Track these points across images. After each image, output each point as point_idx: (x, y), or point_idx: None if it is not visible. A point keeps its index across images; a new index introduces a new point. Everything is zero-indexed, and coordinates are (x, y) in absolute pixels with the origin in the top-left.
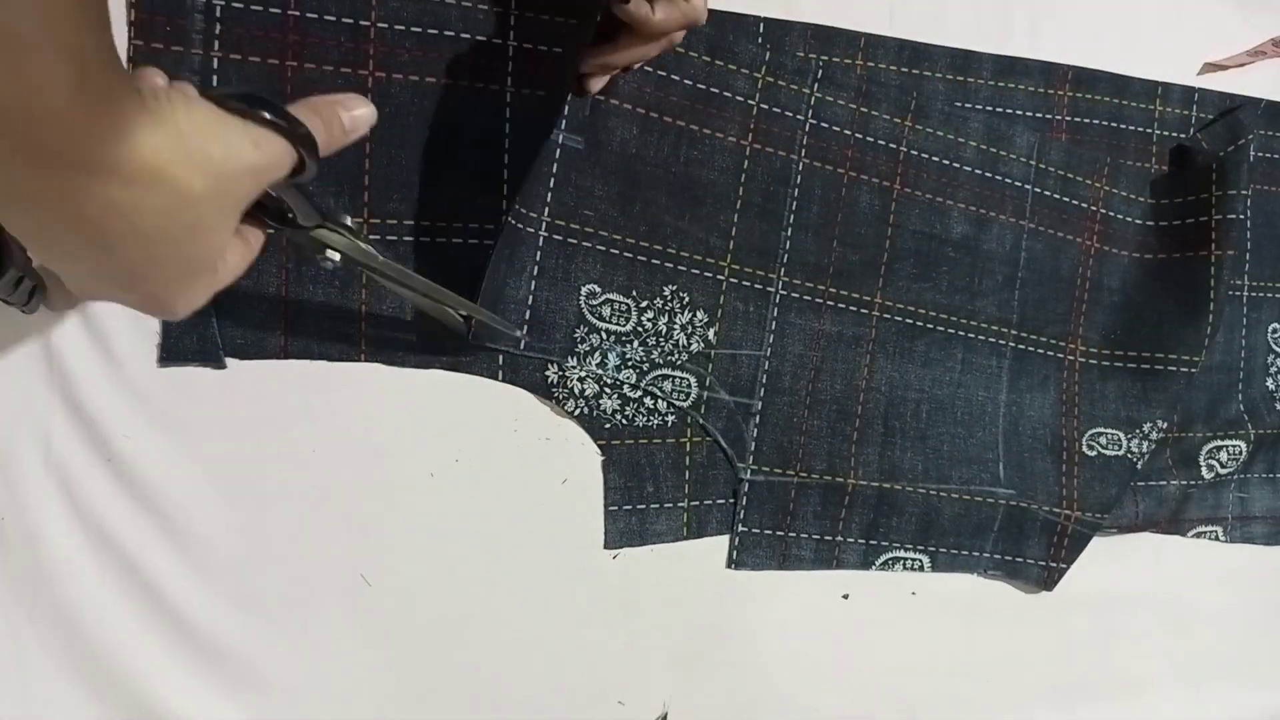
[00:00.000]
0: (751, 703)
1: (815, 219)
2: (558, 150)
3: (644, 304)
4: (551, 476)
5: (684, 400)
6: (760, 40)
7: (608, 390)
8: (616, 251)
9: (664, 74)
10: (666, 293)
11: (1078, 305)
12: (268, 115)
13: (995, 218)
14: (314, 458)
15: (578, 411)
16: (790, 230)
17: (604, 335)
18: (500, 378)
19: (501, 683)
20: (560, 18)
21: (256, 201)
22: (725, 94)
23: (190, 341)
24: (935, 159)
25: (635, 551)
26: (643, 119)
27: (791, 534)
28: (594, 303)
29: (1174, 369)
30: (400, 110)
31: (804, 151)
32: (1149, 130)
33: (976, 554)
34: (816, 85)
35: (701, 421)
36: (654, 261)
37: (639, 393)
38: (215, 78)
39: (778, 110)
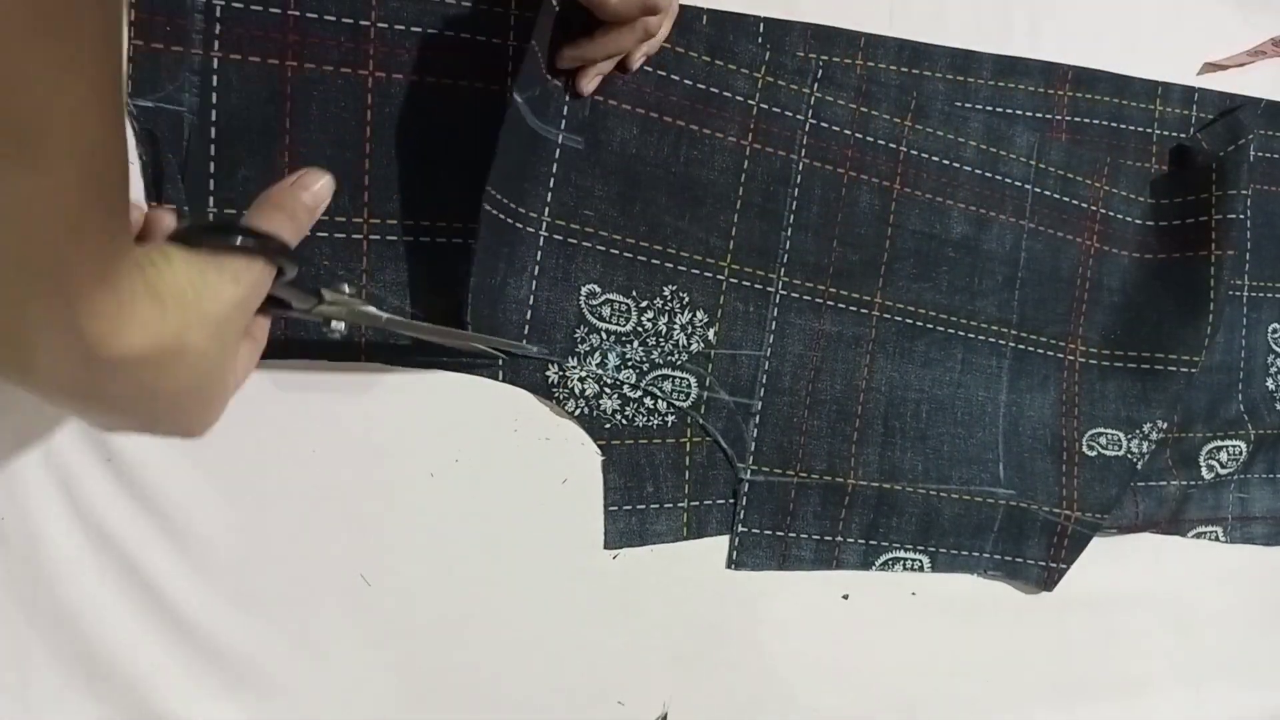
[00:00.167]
0: (751, 703)
1: (815, 219)
2: (558, 150)
3: (644, 304)
4: (551, 476)
5: (684, 400)
6: (760, 40)
7: (608, 390)
8: (616, 251)
9: (664, 74)
10: (666, 293)
11: (1078, 305)
12: (239, 241)
13: (995, 218)
14: (314, 458)
15: (578, 411)
16: (790, 230)
17: (604, 335)
18: (500, 378)
19: (501, 683)
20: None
21: None
22: (725, 94)
23: None
24: (935, 159)
25: (635, 551)
26: (643, 119)
27: (791, 534)
28: (594, 303)
29: (1174, 369)
30: (400, 110)
31: (804, 151)
32: (1149, 130)
33: (976, 554)
34: (816, 85)
35: (701, 421)
36: (654, 261)
37: (639, 393)
38: (215, 78)
39: (778, 110)
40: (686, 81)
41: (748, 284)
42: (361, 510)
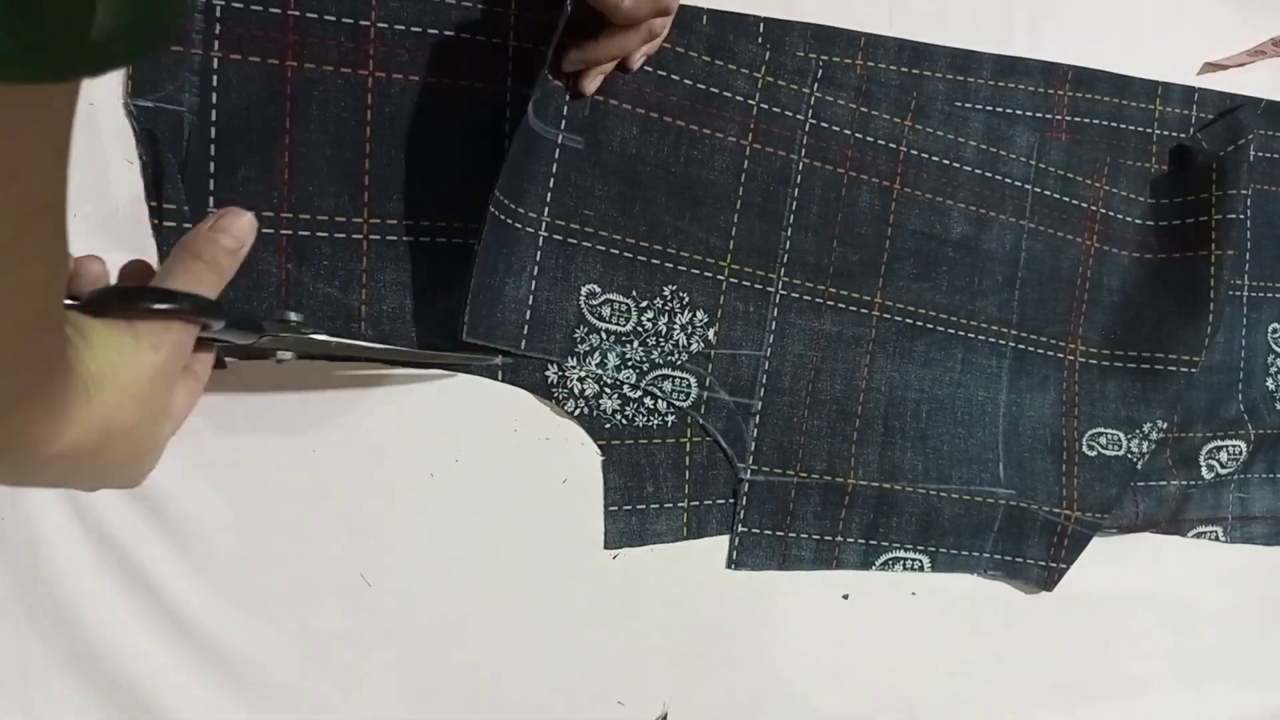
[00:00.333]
0: (751, 703)
1: (815, 219)
2: (557, 150)
3: (644, 304)
4: (551, 476)
5: (684, 400)
6: (760, 40)
7: (608, 390)
8: (616, 251)
9: (664, 74)
10: (666, 293)
11: (1078, 305)
12: (154, 306)
13: (995, 218)
14: (314, 458)
15: (578, 411)
16: (790, 230)
17: (604, 335)
18: (500, 378)
19: (501, 683)
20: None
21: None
22: (725, 94)
23: None
24: (935, 159)
25: (635, 551)
26: (643, 119)
27: (791, 534)
28: (594, 303)
29: (1174, 369)
30: (400, 110)
31: (804, 151)
32: (1149, 130)
33: (976, 554)
34: (816, 85)
35: (701, 421)
36: (654, 261)
37: (639, 393)
38: (215, 78)
39: (778, 110)
40: (686, 81)
41: (748, 284)
42: (361, 510)
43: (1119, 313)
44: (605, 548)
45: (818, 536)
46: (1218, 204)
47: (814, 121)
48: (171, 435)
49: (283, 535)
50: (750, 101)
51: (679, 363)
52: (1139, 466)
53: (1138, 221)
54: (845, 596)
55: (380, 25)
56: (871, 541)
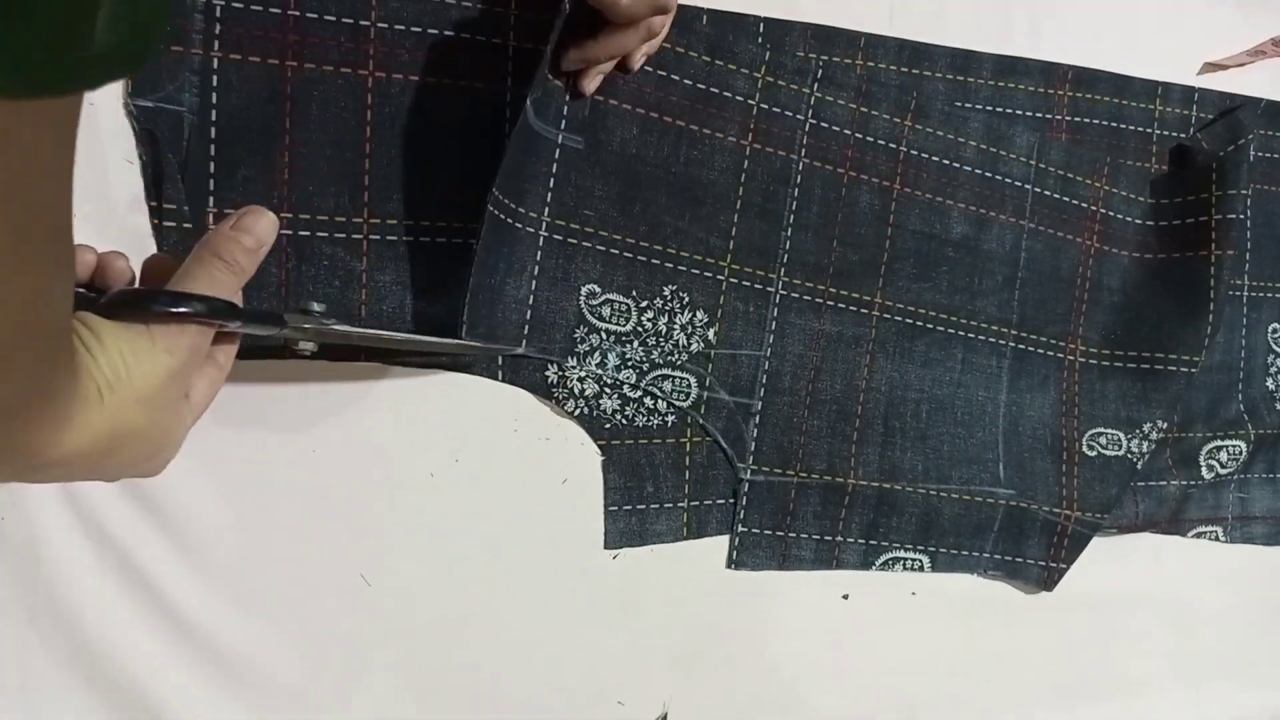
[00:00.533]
0: (751, 703)
1: (815, 219)
2: (557, 150)
3: (644, 304)
4: (551, 476)
5: (684, 400)
6: (760, 40)
7: (608, 390)
8: (616, 251)
9: (664, 74)
10: (666, 293)
11: (1078, 305)
12: (168, 310)
13: (995, 218)
14: (314, 458)
15: (578, 411)
16: (790, 230)
17: (604, 335)
18: (500, 378)
19: (501, 683)
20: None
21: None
22: (725, 94)
23: None
24: (935, 159)
25: (635, 551)
26: (643, 119)
27: (791, 534)
28: (594, 303)
29: (1174, 369)
30: (400, 110)
31: (804, 151)
32: (1149, 130)
33: (976, 554)
34: (816, 85)
35: (701, 421)
36: (654, 261)
37: (639, 393)
38: (215, 78)
39: (778, 110)
40: (686, 81)
41: (748, 284)
42: (361, 510)
43: (1119, 313)
44: (605, 548)
45: (818, 536)
46: (1218, 204)
47: (814, 121)
48: (193, 425)
49: (283, 535)
50: (750, 101)
51: (679, 363)
52: (1139, 466)
53: (1138, 221)
54: (845, 596)
55: (380, 25)
56: (871, 541)
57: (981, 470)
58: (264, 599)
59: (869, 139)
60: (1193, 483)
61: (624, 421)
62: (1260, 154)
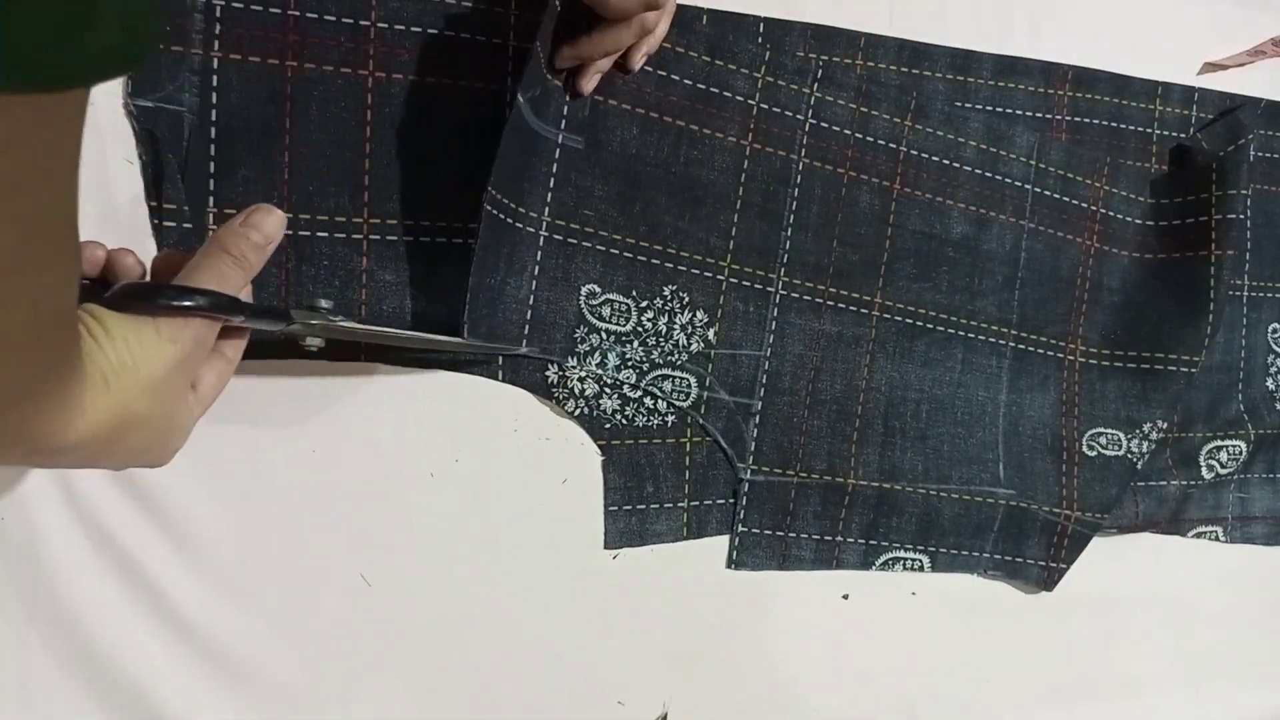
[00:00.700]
0: (751, 703)
1: (815, 219)
2: (558, 150)
3: (644, 304)
4: (551, 476)
5: (684, 400)
6: (760, 40)
7: (608, 390)
8: (616, 251)
9: (664, 74)
10: (666, 293)
11: (1078, 305)
12: (171, 304)
13: (995, 218)
14: (314, 458)
15: (578, 411)
16: (790, 230)
17: (604, 335)
18: (500, 378)
19: (501, 683)
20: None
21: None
22: (725, 94)
23: None
24: (935, 159)
25: (635, 551)
26: (643, 119)
27: (791, 534)
28: (594, 303)
29: (1174, 369)
30: (400, 110)
31: (804, 151)
32: (1149, 130)
33: (976, 554)
34: (816, 85)
35: (701, 421)
36: (654, 261)
37: (639, 393)
38: (215, 78)
39: (778, 110)
40: (686, 81)
41: (748, 284)
42: (361, 510)
43: (1119, 313)
44: (605, 548)
45: (818, 536)
46: (1218, 204)
47: (814, 121)
48: (200, 416)
49: (283, 535)
50: (750, 101)
51: (679, 363)
52: (1139, 466)
53: (1138, 221)
54: (845, 596)
55: (380, 25)
56: (871, 541)
57: (981, 470)
58: (264, 599)
59: (869, 139)
60: (1193, 483)
61: (624, 421)
62: (1260, 154)
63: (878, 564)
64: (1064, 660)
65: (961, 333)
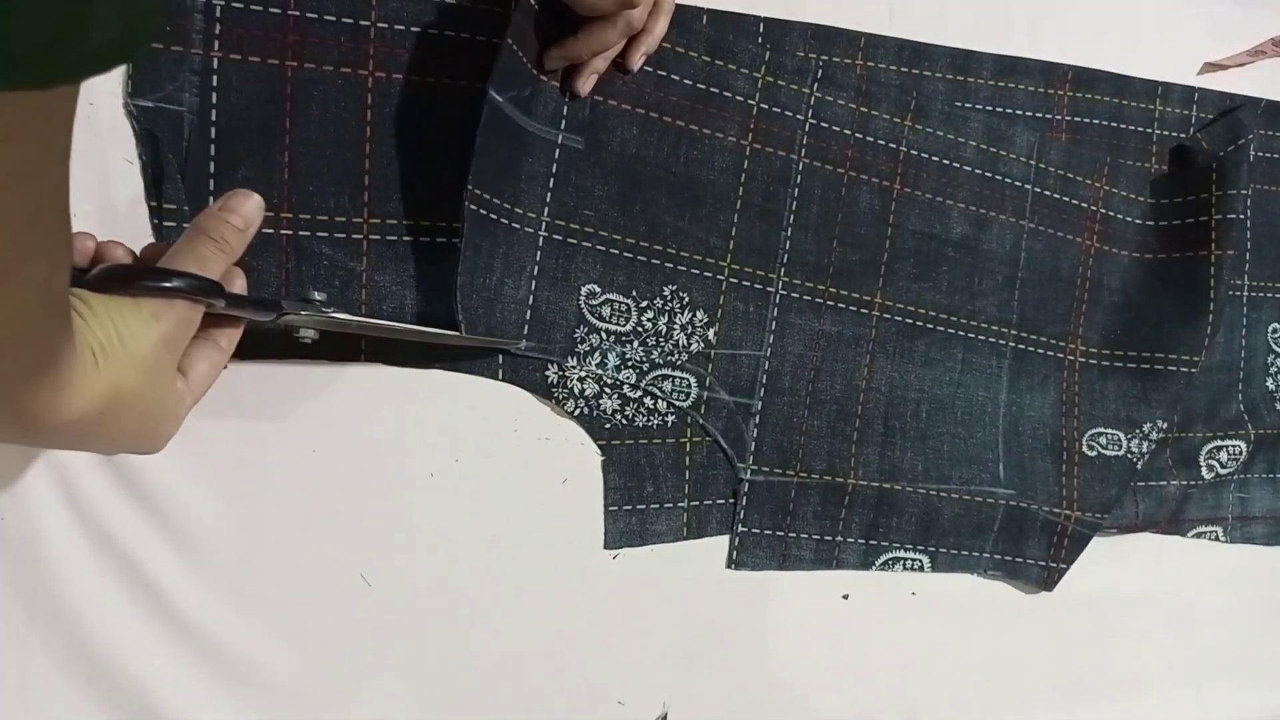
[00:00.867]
0: (751, 703)
1: (815, 219)
2: (557, 150)
3: (644, 304)
4: (551, 476)
5: (684, 400)
6: (760, 40)
7: (608, 390)
8: (616, 251)
9: (664, 74)
10: (666, 293)
11: (1078, 305)
12: (151, 285)
13: (995, 218)
14: (314, 458)
15: (578, 411)
16: (790, 230)
17: (604, 335)
18: (500, 378)
19: (502, 683)
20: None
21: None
22: (725, 94)
23: None
24: (935, 159)
25: (635, 551)
26: (643, 119)
27: (791, 534)
28: (594, 303)
29: (1174, 369)
30: (400, 110)
31: (804, 151)
32: (1149, 130)
33: (976, 554)
34: (816, 85)
35: (701, 421)
36: (654, 261)
37: (639, 393)
38: (215, 78)
39: (778, 110)
40: (686, 81)
41: (748, 284)
42: (361, 510)
43: (1119, 313)
44: (605, 548)
45: (818, 536)
46: (1218, 204)
47: (814, 121)
48: (193, 405)
49: (283, 535)
50: (750, 101)
51: (679, 363)
52: (1139, 466)
53: (1138, 221)
54: (845, 596)
55: (380, 25)
56: (871, 541)
57: (981, 470)
58: (264, 599)
59: (869, 139)
60: (1193, 483)
61: (624, 421)
62: (1260, 154)
63: (878, 564)
64: (1064, 660)
65: (961, 333)
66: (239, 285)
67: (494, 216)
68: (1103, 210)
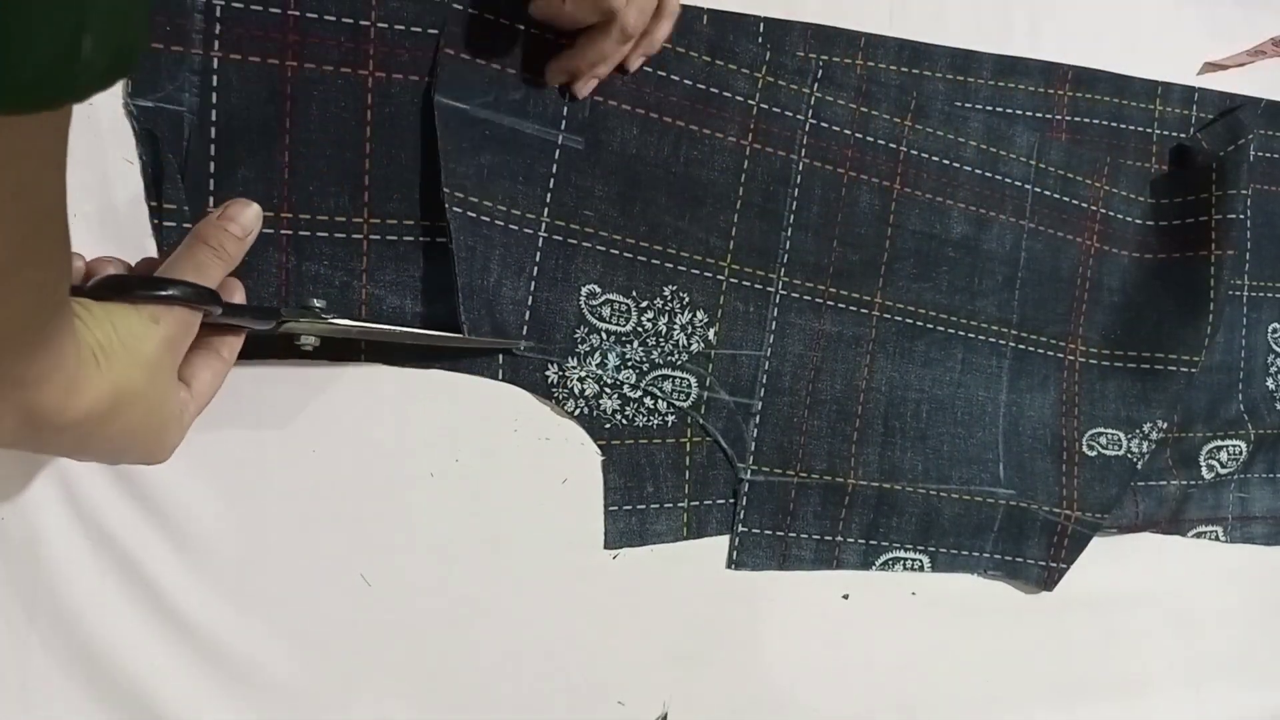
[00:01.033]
0: (751, 703)
1: (815, 219)
2: (557, 151)
3: (644, 304)
4: (551, 476)
5: (684, 400)
6: (760, 40)
7: (608, 390)
8: (616, 252)
9: (664, 74)
10: (666, 293)
11: (1078, 305)
12: (147, 293)
13: (995, 218)
14: (314, 458)
15: (578, 411)
16: (790, 230)
17: (604, 335)
18: (500, 378)
19: (502, 683)
20: None
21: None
22: (725, 94)
23: None
24: (935, 159)
25: (635, 551)
26: (643, 119)
27: (791, 534)
28: (594, 303)
29: (1174, 369)
30: (400, 110)
31: (804, 151)
32: (1149, 130)
33: (976, 554)
34: (816, 85)
35: (701, 421)
36: (654, 262)
37: (639, 393)
38: (215, 78)
39: (778, 110)
40: (686, 81)
41: (748, 284)
42: (361, 510)
43: (1119, 313)
44: (605, 548)
45: (818, 536)
46: (1218, 204)
47: (814, 121)
48: (197, 414)
49: (283, 535)
50: (750, 101)
51: (679, 363)
52: (1139, 466)
53: (1138, 221)
54: (845, 596)
55: (380, 25)
56: (871, 541)
57: (981, 470)
58: (264, 599)
59: (869, 139)
60: (1193, 483)
61: (624, 421)
62: (1260, 154)
63: (878, 564)
64: (1064, 660)
65: (961, 333)
66: (238, 296)
67: (485, 218)
68: (1103, 210)
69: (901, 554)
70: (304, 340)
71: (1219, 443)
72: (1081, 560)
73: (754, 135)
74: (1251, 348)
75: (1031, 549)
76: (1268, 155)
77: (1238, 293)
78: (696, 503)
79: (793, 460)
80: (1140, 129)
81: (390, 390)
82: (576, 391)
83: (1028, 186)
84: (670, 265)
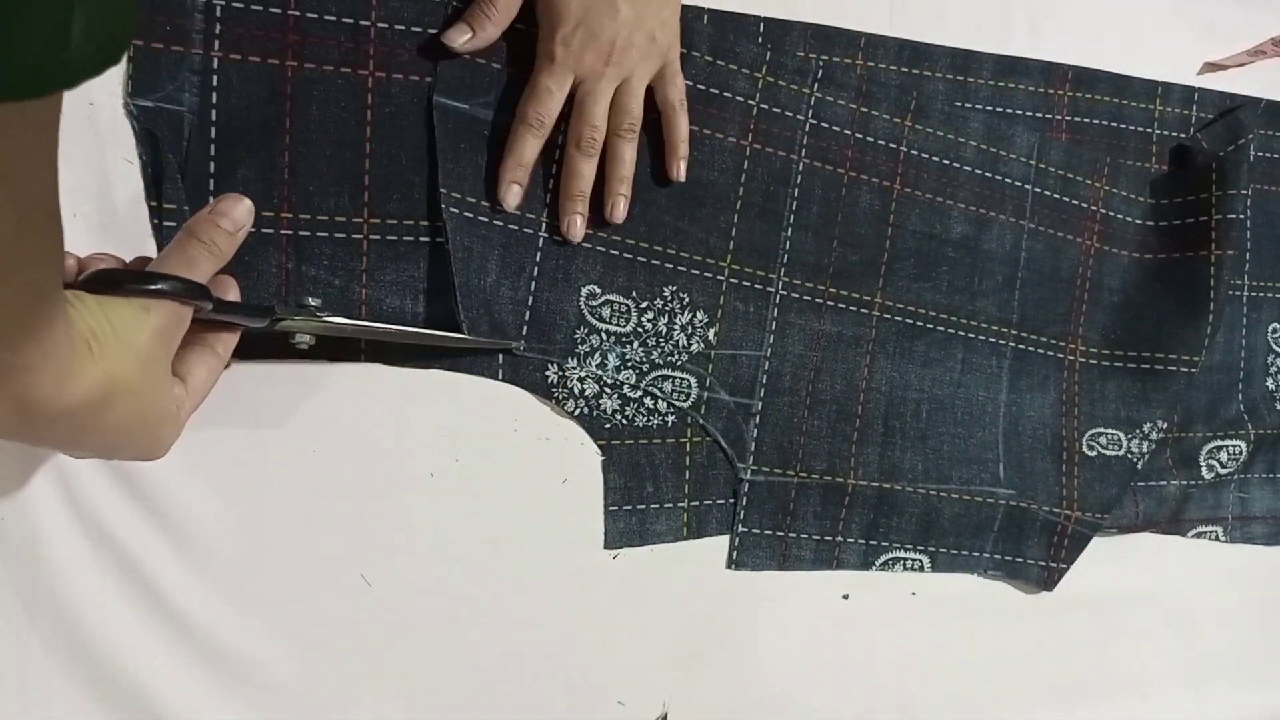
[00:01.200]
0: (751, 703)
1: (815, 219)
2: (557, 151)
3: (644, 305)
4: (551, 476)
5: (684, 401)
6: (760, 40)
7: (608, 390)
8: (616, 252)
9: None
10: (666, 293)
11: (1078, 305)
12: (136, 287)
13: (995, 218)
14: (314, 458)
15: (578, 412)
16: (790, 230)
17: (604, 336)
18: (500, 378)
19: (502, 683)
20: None
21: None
22: (725, 94)
23: None
24: (935, 159)
25: (635, 551)
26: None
27: (791, 534)
28: (594, 303)
29: (1174, 369)
30: (400, 110)
31: (804, 151)
32: (1149, 130)
33: (976, 554)
34: (816, 85)
35: (701, 422)
36: (654, 262)
37: (639, 393)
38: (215, 78)
39: (778, 110)
40: (687, 82)
41: (748, 284)
42: (361, 510)
43: (1119, 313)
44: (605, 548)
45: (818, 536)
46: (1218, 204)
47: (814, 121)
48: (193, 410)
49: (283, 535)
50: (750, 102)
51: (679, 363)
52: (1139, 466)
53: (1138, 221)
54: (845, 596)
55: (380, 25)
56: (871, 541)
57: (981, 470)
58: (264, 599)
59: (869, 139)
60: (1193, 483)
61: (624, 421)
62: (1260, 154)
63: (878, 564)
64: (1064, 660)
65: (961, 333)
66: (232, 293)
67: (484, 218)
68: (1103, 210)
69: (901, 554)
70: (299, 338)
71: (1219, 443)
72: (1081, 560)
73: (754, 135)
74: (1251, 348)
75: (1031, 549)
76: (1268, 155)
77: (1238, 293)
78: (696, 503)
79: (793, 460)
80: (1140, 129)
81: (390, 390)
82: (576, 391)
83: (1028, 186)
84: (670, 265)
